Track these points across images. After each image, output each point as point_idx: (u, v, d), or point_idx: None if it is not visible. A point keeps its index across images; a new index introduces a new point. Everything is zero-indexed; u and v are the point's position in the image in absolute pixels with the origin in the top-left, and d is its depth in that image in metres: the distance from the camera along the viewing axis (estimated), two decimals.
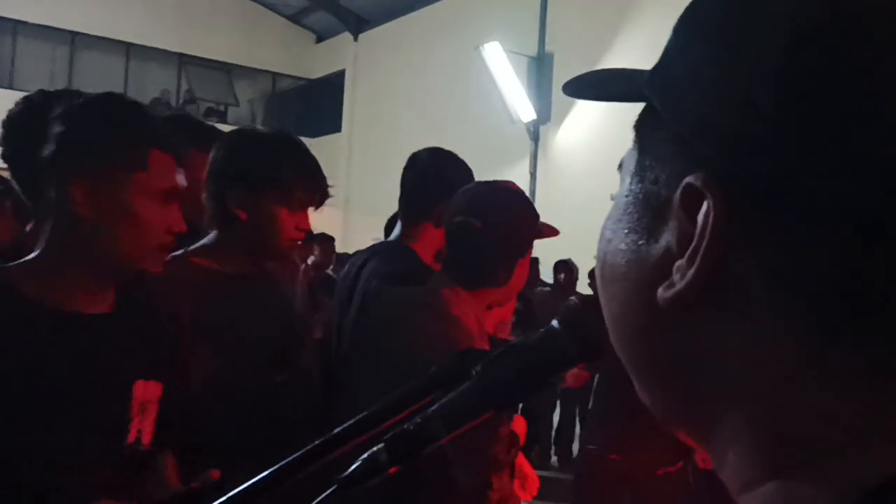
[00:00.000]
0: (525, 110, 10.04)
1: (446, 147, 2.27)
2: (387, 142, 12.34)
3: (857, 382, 0.36)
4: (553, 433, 6.74)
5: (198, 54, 14.43)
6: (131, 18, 13.80)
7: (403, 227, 2.16)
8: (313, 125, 14.33)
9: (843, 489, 0.34)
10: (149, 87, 13.85)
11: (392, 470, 0.52)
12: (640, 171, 0.42)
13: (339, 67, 14.62)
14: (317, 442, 0.56)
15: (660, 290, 0.39)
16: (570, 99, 0.53)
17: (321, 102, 14.90)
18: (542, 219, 1.72)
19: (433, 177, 2.11)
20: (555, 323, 0.51)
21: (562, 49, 9.96)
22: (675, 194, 0.39)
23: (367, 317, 1.73)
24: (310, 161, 1.83)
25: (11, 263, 1.32)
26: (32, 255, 1.32)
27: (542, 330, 0.52)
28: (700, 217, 0.37)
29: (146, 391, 1.37)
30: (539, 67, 10.13)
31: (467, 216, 1.60)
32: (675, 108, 0.40)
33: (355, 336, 1.74)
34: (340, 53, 14.55)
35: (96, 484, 1.27)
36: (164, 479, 1.43)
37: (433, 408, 0.52)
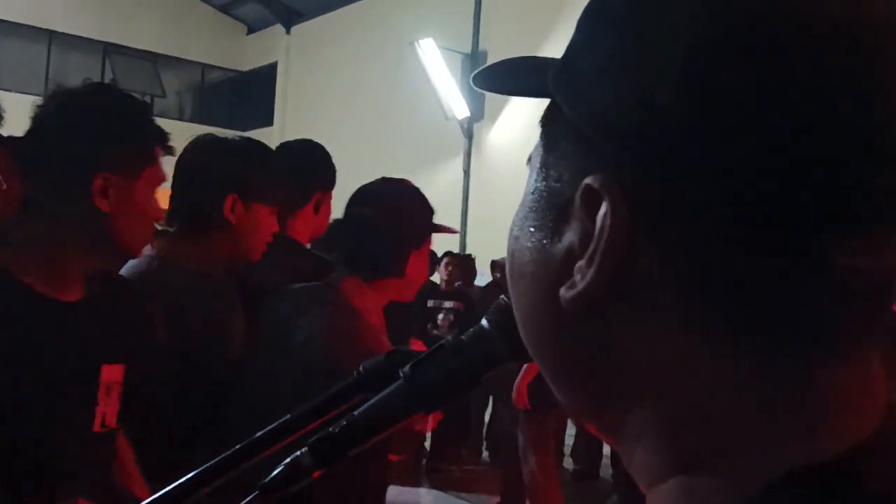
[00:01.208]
0: (459, 107, 10.06)
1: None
2: (319, 136, 12.02)
3: (757, 380, 0.37)
4: (485, 430, 6.79)
5: (123, 43, 14.00)
6: (54, 5, 13.31)
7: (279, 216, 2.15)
8: (244, 118, 14.08)
9: (743, 485, 0.35)
10: (71, 76, 13.37)
11: (316, 474, 0.51)
12: (545, 169, 0.41)
13: (271, 60, 14.40)
14: (238, 446, 0.54)
15: (562, 290, 0.39)
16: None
17: (252, 95, 14.65)
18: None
19: (310, 164, 2.16)
20: (484, 322, 0.50)
21: (495, 47, 10.01)
22: (577, 193, 0.38)
23: (267, 315, 1.72)
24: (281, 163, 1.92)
25: (9, 247, 1.37)
26: (32, 241, 1.36)
27: (471, 329, 0.52)
28: (599, 218, 0.37)
29: (111, 374, 1.43)
30: (473, 65, 10.16)
31: (361, 207, 1.70)
32: (578, 105, 0.39)
33: (254, 336, 1.72)
34: (272, 46, 14.33)
35: (68, 466, 1.32)
36: (121, 456, 1.50)
37: (359, 410, 0.51)
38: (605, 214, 0.37)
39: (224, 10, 15.04)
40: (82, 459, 1.35)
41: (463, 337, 0.51)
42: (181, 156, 1.79)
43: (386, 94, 11.30)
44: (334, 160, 2.29)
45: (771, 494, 0.35)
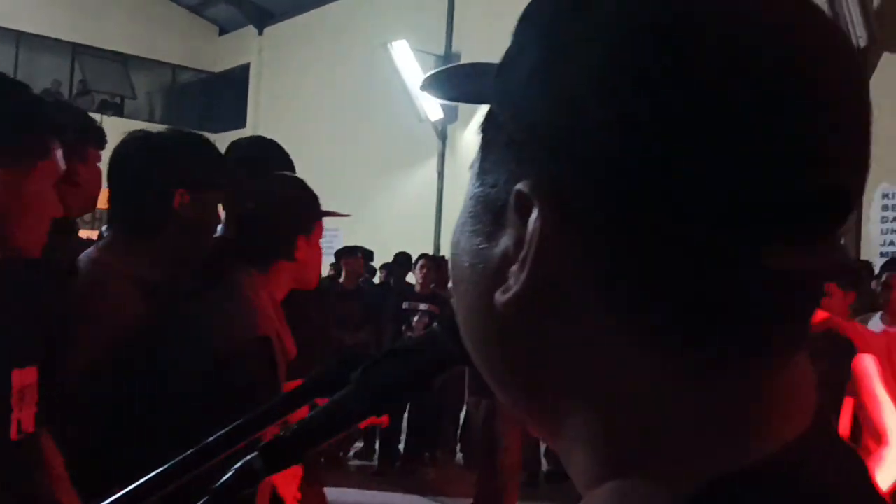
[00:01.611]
0: (432, 109, 10.07)
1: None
2: (293, 138, 12.05)
3: (690, 383, 0.37)
4: (459, 431, 6.79)
5: (92, 44, 13.84)
6: (22, 5, 13.13)
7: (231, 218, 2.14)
8: (216, 120, 13.98)
9: (676, 488, 0.35)
10: (40, 77, 13.18)
11: (266, 479, 0.50)
12: (482, 174, 0.42)
13: (244, 61, 14.31)
14: (188, 452, 0.53)
15: (497, 294, 0.39)
16: None
17: (225, 97, 14.55)
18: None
19: (261, 165, 2.13)
20: (436, 325, 0.51)
21: (468, 48, 10.03)
22: (511, 199, 0.39)
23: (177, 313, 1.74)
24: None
25: None
26: None
27: (423, 332, 0.52)
28: (530, 223, 0.38)
29: (23, 378, 1.36)
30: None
31: (244, 203, 1.82)
32: (512, 111, 0.40)
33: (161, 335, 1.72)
34: (244, 47, 14.24)
35: None
36: (47, 461, 1.44)
37: (310, 414, 0.51)
38: (535, 219, 0.37)
39: (195, 10, 14.92)
40: (1, 469, 1.30)
41: (416, 340, 0.52)
42: (116, 155, 1.73)
43: (359, 96, 11.28)
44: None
45: (704, 497, 0.35)
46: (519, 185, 0.38)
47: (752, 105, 0.35)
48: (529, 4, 0.42)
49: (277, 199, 1.81)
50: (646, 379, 0.37)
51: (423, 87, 0.48)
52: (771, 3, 0.37)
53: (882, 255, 6.57)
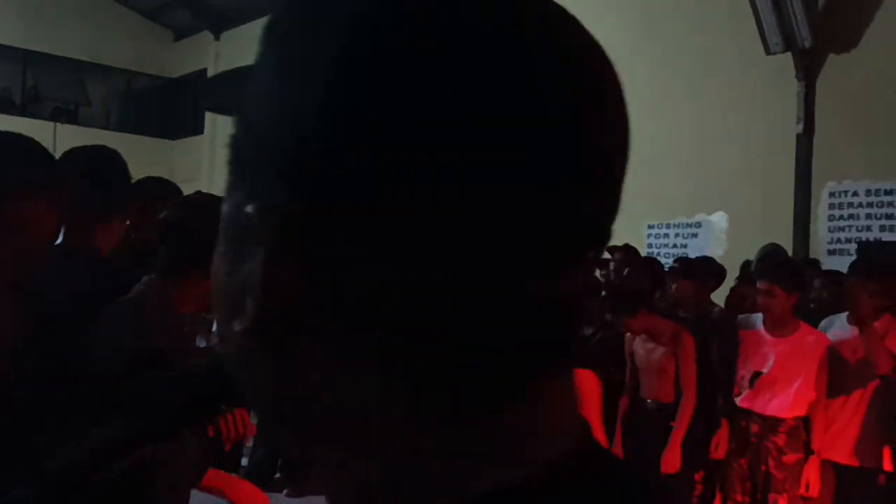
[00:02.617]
0: None
1: None
2: None
3: (435, 415, 0.35)
4: None
5: (45, 51, 13.59)
6: None
7: (78, 226, 2.01)
8: (173, 126, 13.80)
9: None
10: None
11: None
12: (228, 193, 0.40)
13: (201, 66, 14.15)
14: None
15: (234, 324, 0.37)
16: None
17: (181, 103, 14.35)
18: None
19: (95, 173, 2.08)
20: (218, 347, 0.49)
21: None
22: (245, 221, 0.37)
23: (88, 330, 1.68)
24: None
25: None
26: None
27: (202, 359, 0.51)
28: (259, 248, 0.36)
29: None
30: None
31: (175, 212, 1.85)
32: (246, 127, 0.38)
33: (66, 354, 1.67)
34: (201, 52, 14.09)
35: None
36: None
37: (84, 444, 0.49)
38: (263, 245, 0.35)
39: (151, 16, 14.73)
40: None
41: (196, 366, 0.50)
42: None
43: None
44: None
45: None
46: (248, 209, 0.36)
47: (485, 130, 0.33)
48: (270, 16, 0.40)
49: (214, 213, 1.77)
50: (388, 413, 0.35)
51: (201, 102, 0.46)
52: (513, 25, 0.35)
53: (830, 252, 6.67)
